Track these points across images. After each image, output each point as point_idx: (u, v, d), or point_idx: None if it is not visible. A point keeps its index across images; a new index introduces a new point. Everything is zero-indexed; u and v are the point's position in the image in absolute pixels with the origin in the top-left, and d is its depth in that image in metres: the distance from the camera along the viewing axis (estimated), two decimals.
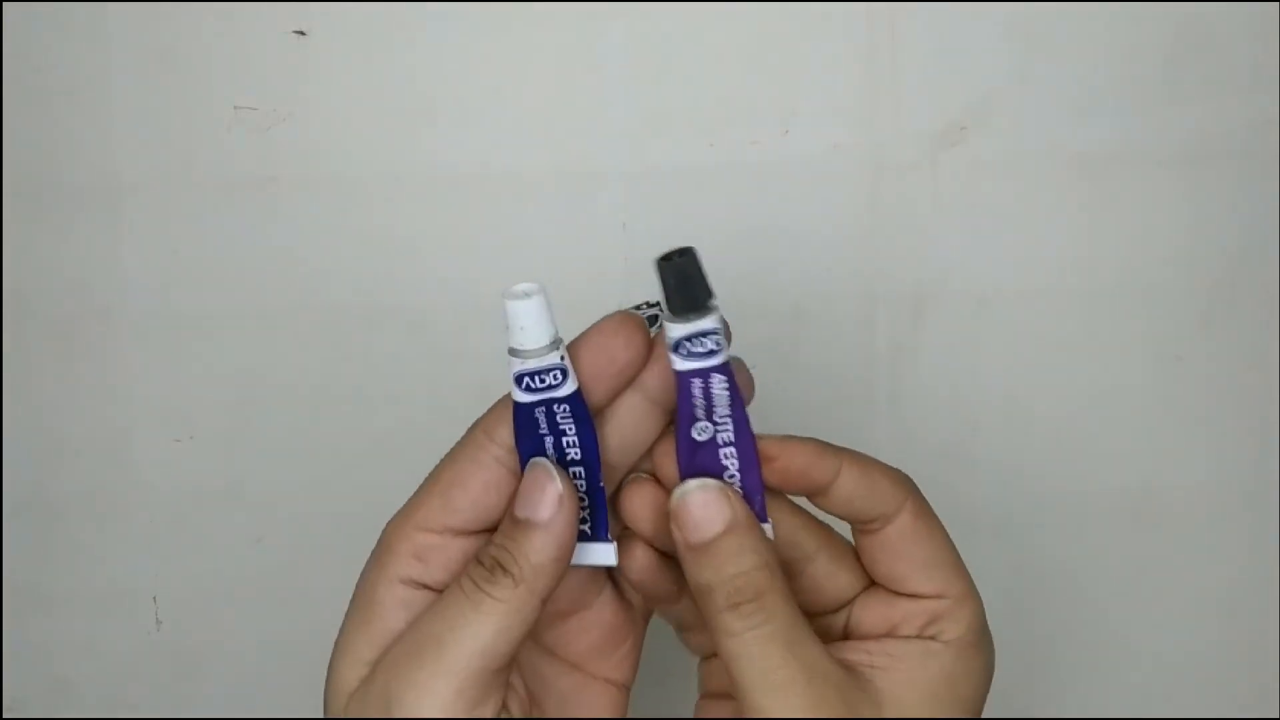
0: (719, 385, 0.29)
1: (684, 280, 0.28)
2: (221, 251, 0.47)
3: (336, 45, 0.47)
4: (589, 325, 0.30)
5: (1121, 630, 0.48)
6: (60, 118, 0.47)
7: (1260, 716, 0.48)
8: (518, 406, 0.29)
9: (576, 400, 0.28)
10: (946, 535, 0.30)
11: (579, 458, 0.29)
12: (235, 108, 0.47)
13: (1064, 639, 0.49)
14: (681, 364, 0.28)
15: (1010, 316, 0.47)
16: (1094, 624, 0.47)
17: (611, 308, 0.47)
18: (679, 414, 0.29)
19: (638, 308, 0.37)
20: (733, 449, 0.29)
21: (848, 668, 0.28)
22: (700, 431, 0.29)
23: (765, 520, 0.29)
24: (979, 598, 0.30)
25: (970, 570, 0.39)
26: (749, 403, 0.30)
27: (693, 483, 0.29)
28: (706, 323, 0.28)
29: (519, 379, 0.28)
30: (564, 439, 0.29)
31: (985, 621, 0.30)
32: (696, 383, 0.28)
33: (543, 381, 0.28)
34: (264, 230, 0.47)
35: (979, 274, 0.47)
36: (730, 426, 0.29)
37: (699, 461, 0.29)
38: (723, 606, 0.27)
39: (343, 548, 0.49)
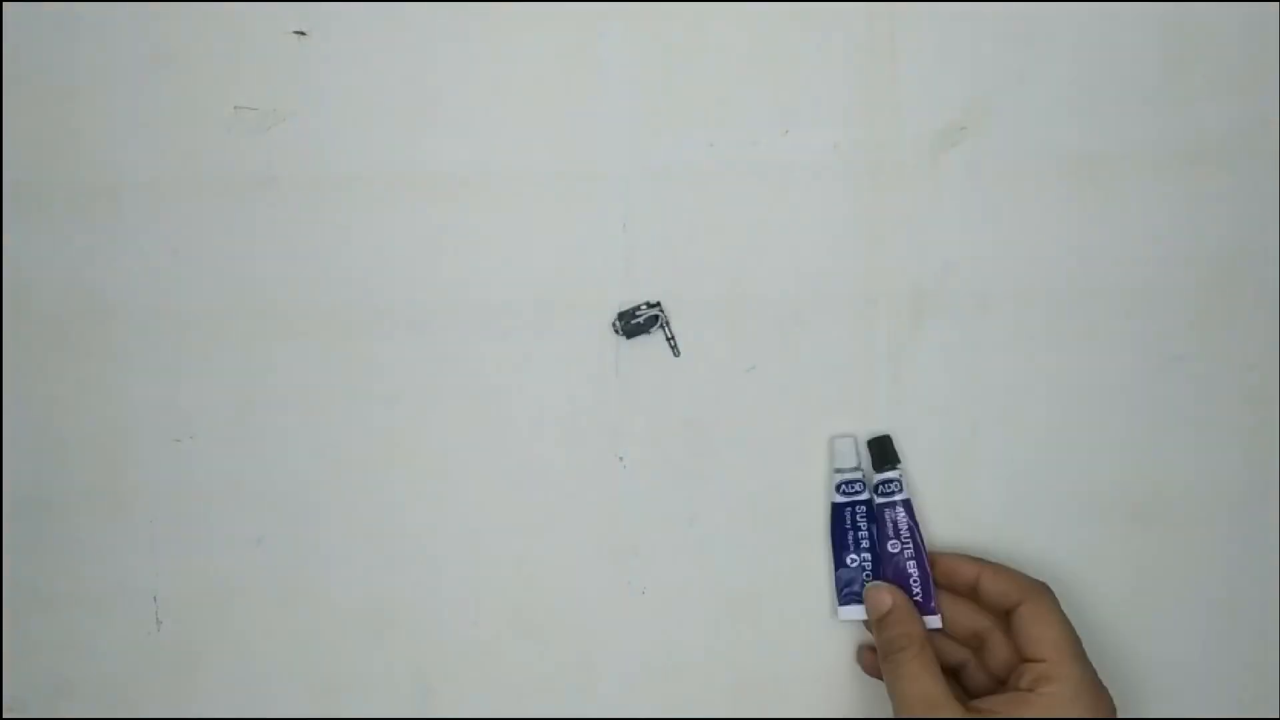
0: (902, 514, 0.46)
1: (883, 449, 0.47)
2: (222, 251, 0.48)
3: (336, 45, 0.47)
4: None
5: (1120, 630, 0.48)
6: (60, 118, 0.47)
7: (1260, 716, 0.48)
8: (836, 505, 0.47)
9: (870, 505, 0.47)
10: (1058, 618, 0.43)
11: (868, 545, 0.47)
12: (235, 108, 0.47)
13: None
14: (879, 500, 0.47)
15: (1010, 316, 0.47)
16: (1093, 624, 0.47)
17: (612, 307, 0.47)
18: (881, 534, 0.47)
19: (636, 309, 0.42)
20: (913, 561, 0.46)
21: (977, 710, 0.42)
22: (893, 546, 0.46)
23: (931, 608, 0.45)
24: (1083, 667, 0.42)
25: None
26: None
27: (873, 583, 0.46)
28: (894, 474, 0.47)
29: (839, 486, 0.47)
30: (859, 531, 0.47)
31: (1089, 684, 0.42)
32: (889, 512, 0.46)
33: (852, 489, 0.47)
34: (264, 230, 0.47)
35: (979, 274, 0.47)
36: (911, 543, 0.46)
37: (894, 565, 0.46)
38: (882, 656, 0.45)
39: (343, 547, 0.49)
